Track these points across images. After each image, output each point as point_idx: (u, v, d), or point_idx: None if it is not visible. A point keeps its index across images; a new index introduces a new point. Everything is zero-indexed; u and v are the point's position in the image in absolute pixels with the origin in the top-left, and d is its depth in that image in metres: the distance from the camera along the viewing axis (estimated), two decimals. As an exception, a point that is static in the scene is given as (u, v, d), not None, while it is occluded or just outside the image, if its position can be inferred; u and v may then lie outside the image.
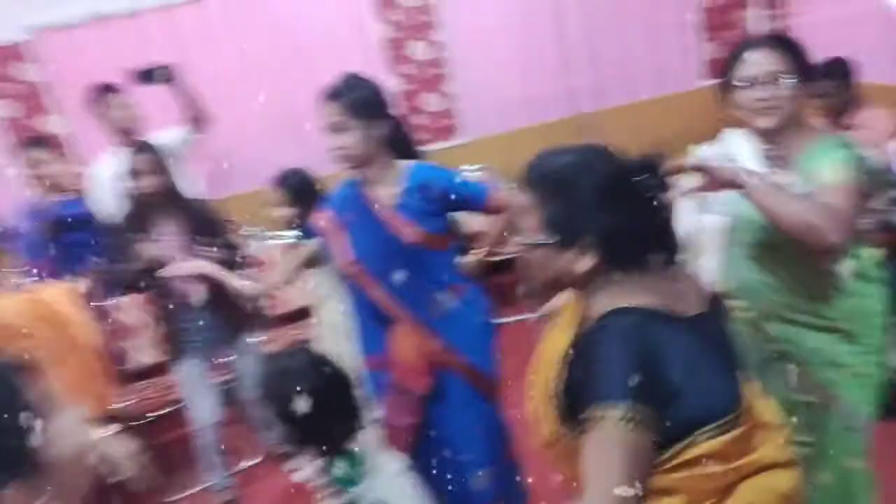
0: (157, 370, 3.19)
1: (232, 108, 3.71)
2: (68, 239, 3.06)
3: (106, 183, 3.05)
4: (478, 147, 4.32)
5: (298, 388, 1.43)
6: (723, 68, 1.67)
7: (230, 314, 2.62)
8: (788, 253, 1.62)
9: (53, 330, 2.20)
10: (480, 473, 2.02)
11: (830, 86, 2.97)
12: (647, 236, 1.07)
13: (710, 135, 4.33)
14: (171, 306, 2.58)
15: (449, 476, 2.00)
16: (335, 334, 2.34)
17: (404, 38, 4.11)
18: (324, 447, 1.50)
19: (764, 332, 1.73)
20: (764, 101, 1.57)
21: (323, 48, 4.06)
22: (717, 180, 1.53)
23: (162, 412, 3.09)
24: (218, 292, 2.52)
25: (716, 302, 1.18)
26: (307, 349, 1.63)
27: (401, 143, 2.00)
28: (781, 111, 1.58)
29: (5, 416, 0.70)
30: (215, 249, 2.55)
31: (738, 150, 1.76)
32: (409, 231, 1.93)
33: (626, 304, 1.04)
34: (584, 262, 1.05)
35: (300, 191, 2.35)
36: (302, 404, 1.43)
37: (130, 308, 3.15)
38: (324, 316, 2.47)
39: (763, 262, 1.69)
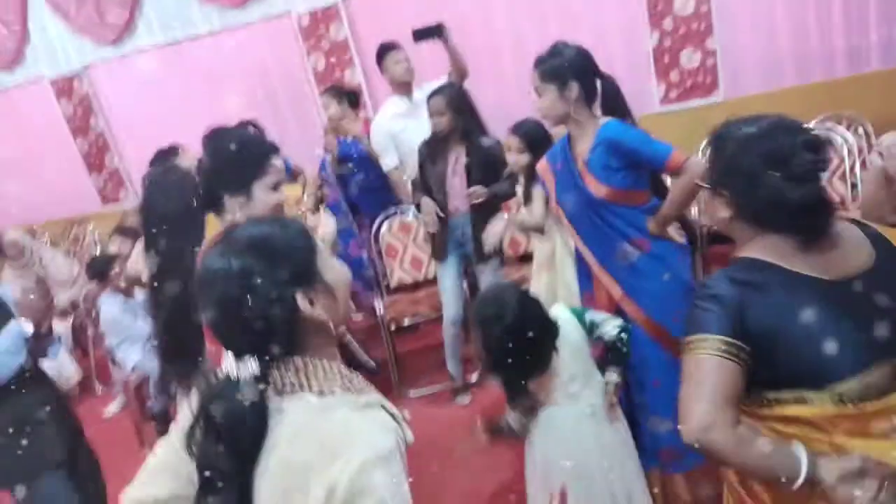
0: (412, 287, 3.77)
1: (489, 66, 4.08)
2: (349, 175, 3.83)
3: (385, 127, 3.66)
4: (738, 106, 4.05)
5: (500, 321, 1.72)
6: None
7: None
8: None
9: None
10: (656, 420, 2.10)
11: None
12: (785, 205, 1.19)
13: None
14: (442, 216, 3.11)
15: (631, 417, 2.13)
16: (555, 274, 2.59)
17: (668, -9, 4.05)
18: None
19: None
20: None
21: (583, 3, 4.20)
22: None
23: (414, 321, 3.67)
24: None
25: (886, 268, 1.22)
26: (518, 288, 1.90)
27: (609, 103, 2.15)
28: None
29: (300, 241, 1.04)
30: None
31: None
32: (594, 185, 2.11)
33: (751, 255, 1.25)
34: (722, 211, 1.28)
35: (534, 138, 2.58)
36: (501, 335, 1.72)
37: (388, 233, 3.75)
38: (546, 256, 2.70)
39: None
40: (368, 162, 3.82)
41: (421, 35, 3.48)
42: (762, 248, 1.24)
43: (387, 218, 3.74)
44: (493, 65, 4.37)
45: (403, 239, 3.77)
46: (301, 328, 1.01)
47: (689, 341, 1.22)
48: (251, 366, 1.00)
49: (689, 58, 4.14)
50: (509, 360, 1.72)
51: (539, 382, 1.85)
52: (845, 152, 3.58)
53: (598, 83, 2.14)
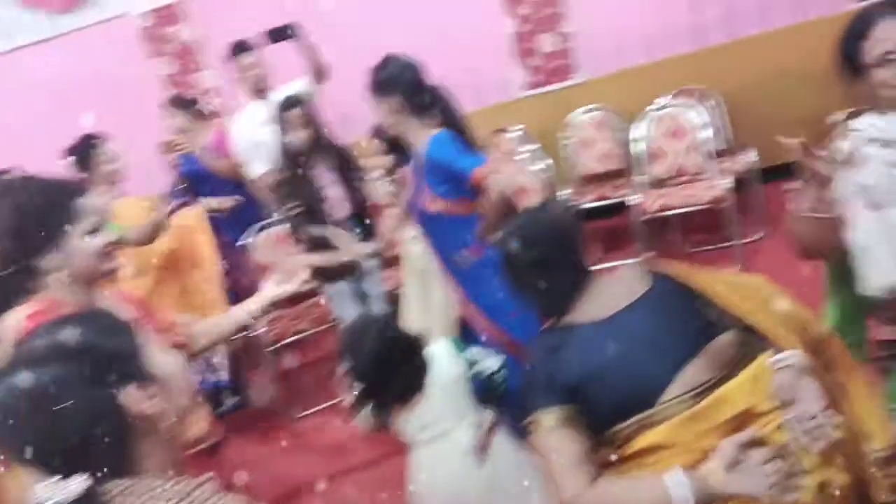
0: (291, 301, 3.58)
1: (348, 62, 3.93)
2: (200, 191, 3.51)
3: (249, 135, 3.42)
4: (594, 87, 4.23)
5: (366, 348, 1.69)
6: (843, 51, 1.45)
7: None
8: None
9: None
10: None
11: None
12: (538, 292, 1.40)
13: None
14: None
15: None
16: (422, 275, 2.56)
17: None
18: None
19: None
20: None
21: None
22: None
23: (287, 340, 3.42)
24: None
25: (658, 287, 1.35)
26: (383, 321, 1.87)
27: (444, 113, 2.18)
28: None
29: (119, 336, 0.89)
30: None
31: (890, 129, 1.45)
32: (428, 197, 2.21)
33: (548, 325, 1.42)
34: None
35: (395, 141, 2.50)
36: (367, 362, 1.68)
37: (265, 246, 3.50)
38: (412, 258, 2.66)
39: None
40: (217, 178, 3.55)
41: (275, 36, 3.30)
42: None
43: (259, 231, 3.48)
44: (352, 62, 4.21)
45: (276, 252, 3.57)
46: (126, 437, 0.85)
47: (529, 422, 1.30)
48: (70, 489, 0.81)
49: (547, 42, 4.21)
50: (372, 394, 1.73)
51: (407, 416, 1.79)
52: (698, 124, 3.77)
53: (429, 94, 2.17)
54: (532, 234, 1.41)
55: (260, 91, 3.42)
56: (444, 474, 1.78)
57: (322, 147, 2.86)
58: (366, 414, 1.80)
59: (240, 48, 3.40)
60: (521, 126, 4.25)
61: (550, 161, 4.04)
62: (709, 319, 1.29)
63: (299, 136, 2.77)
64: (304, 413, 3.31)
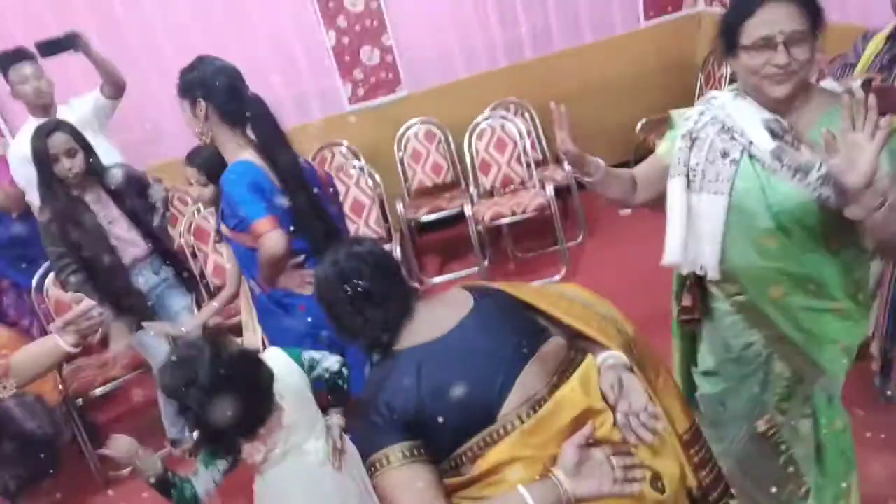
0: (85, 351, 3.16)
1: (161, 74, 3.62)
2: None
3: (23, 159, 2.96)
4: (421, 99, 4.27)
5: (194, 384, 1.43)
6: (725, 23, 1.40)
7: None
8: (818, 242, 1.42)
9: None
10: None
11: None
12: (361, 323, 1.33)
13: (656, 73, 4.33)
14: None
15: None
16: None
17: (338, -11, 4.00)
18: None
19: (757, 315, 1.56)
20: (781, 68, 1.32)
21: (255, 4, 3.94)
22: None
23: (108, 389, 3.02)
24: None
25: (482, 300, 1.34)
26: (210, 341, 1.56)
27: (259, 125, 1.98)
28: (797, 77, 1.34)
29: None
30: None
31: (736, 117, 1.46)
32: (221, 223, 2.09)
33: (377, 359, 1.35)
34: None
35: (212, 166, 2.20)
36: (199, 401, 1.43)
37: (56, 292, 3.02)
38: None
39: (774, 246, 1.45)
40: None
41: (49, 49, 2.85)
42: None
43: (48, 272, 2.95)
44: (165, 76, 3.88)
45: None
46: None
47: (373, 462, 1.21)
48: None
49: (370, 55, 4.16)
50: (218, 425, 1.45)
51: (260, 438, 1.61)
52: (517, 136, 3.93)
53: (244, 103, 1.95)
54: (352, 267, 1.34)
55: (42, 107, 2.95)
56: (301, 491, 1.63)
57: (97, 177, 2.55)
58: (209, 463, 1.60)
59: (9, 59, 2.90)
60: (344, 141, 4.17)
61: (378, 177, 3.99)
62: (537, 326, 1.31)
63: (64, 167, 2.43)
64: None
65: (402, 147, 4.21)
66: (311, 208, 1.99)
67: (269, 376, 1.56)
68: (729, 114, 1.46)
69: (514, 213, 3.70)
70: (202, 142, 2.00)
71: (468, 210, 3.77)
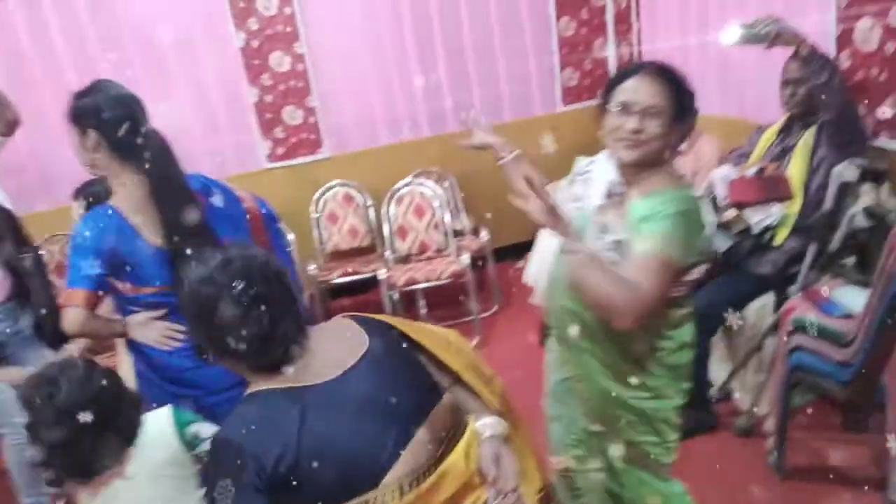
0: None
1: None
2: None
3: None
4: (342, 162, 4.25)
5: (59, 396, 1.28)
6: (605, 85, 1.54)
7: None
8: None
9: None
10: None
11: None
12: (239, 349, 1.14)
13: (572, 152, 4.50)
14: None
15: None
16: None
17: (264, 47, 3.99)
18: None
19: (564, 354, 1.69)
20: (630, 133, 1.44)
21: (177, 54, 3.87)
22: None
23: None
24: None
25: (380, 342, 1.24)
26: (83, 362, 1.44)
27: (156, 161, 1.79)
28: (646, 147, 1.45)
29: None
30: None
31: (598, 172, 1.66)
32: None
33: (254, 389, 1.18)
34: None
35: (100, 203, 2.11)
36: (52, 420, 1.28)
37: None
38: None
39: (572, 290, 1.56)
40: None
41: None
42: (262, 379, 1.18)
43: None
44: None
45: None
46: None
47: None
48: None
49: (292, 115, 4.14)
50: (58, 455, 1.31)
51: (92, 497, 1.41)
52: (436, 204, 3.95)
53: (139, 136, 1.75)
54: (234, 268, 1.15)
55: None
56: None
57: None
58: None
59: None
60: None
61: (293, 236, 3.89)
62: (430, 380, 1.25)
63: None
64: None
65: (319, 208, 4.15)
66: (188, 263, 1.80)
67: (132, 425, 1.41)
68: (597, 168, 1.63)
69: (428, 280, 3.66)
70: (91, 174, 1.85)
71: (382, 275, 3.71)
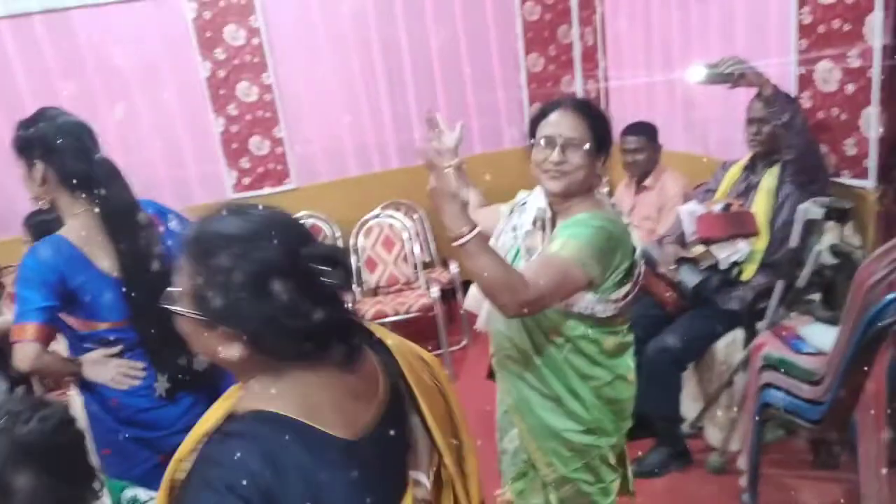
0: None
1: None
2: None
3: None
4: (310, 193, 4.19)
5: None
6: (530, 121, 1.63)
7: None
8: (533, 322, 1.57)
9: None
10: None
11: (640, 142, 3.20)
12: (315, 331, 0.85)
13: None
14: None
15: None
16: None
17: (231, 77, 3.94)
18: None
19: (502, 381, 1.71)
20: (555, 165, 1.52)
21: (141, 82, 3.80)
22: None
23: None
24: None
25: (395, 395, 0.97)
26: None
27: (107, 189, 1.70)
28: (570, 177, 1.52)
29: None
30: None
31: (530, 201, 1.73)
32: None
33: (267, 409, 0.85)
34: (230, 351, 0.84)
35: (45, 233, 2.01)
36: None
37: None
38: None
39: (516, 320, 1.58)
40: None
41: None
42: (281, 396, 0.86)
43: None
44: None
45: None
46: None
47: None
48: None
49: (259, 145, 4.08)
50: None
51: None
52: (405, 236, 3.91)
53: (88, 167, 1.67)
54: (304, 235, 0.90)
55: None
56: None
57: None
58: None
59: None
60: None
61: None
62: (405, 471, 1.00)
63: None
64: None
65: (286, 239, 4.06)
66: (146, 295, 1.63)
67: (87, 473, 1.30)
68: (531, 199, 1.70)
69: (397, 313, 3.60)
70: (40, 206, 1.76)
71: (350, 306, 3.63)
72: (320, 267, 0.86)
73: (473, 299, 1.80)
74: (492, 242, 1.64)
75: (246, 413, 0.86)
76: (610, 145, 1.59)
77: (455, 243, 1.33)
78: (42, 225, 1.83)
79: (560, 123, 1.53)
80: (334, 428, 0.86)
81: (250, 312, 0.81)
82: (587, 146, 1.52)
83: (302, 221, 0.94)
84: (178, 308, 0.86)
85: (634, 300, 1.61)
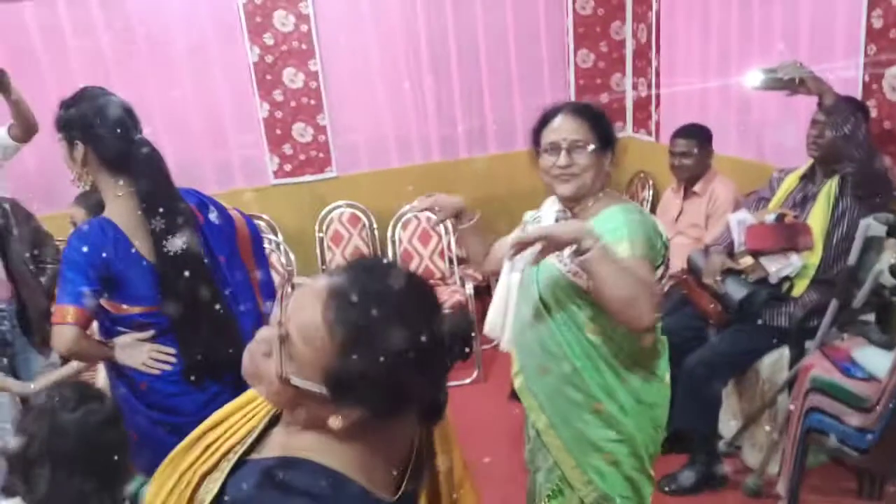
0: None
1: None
2: None
3: None
4: (350, 182, 4.18)
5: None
6: (533, 131, 1.63)
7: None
8: (574, 321, 1.56)
9: None
10: None
11: (690, 145, 3.09)
12: (424, 398, 0.81)
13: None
14: None
15: None
16: None
17: (278, 63, 3.95)
18: None
19: (530, 399, 1.69)
20: (563, 169, 1.54)
21: (189, 65, 3.83)
22: (558, 244, 1.39)
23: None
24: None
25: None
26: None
27: (148, 176, 1.70)
28: (579, 179, 1.55)
29: None
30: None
31: (545, 210, 1.75)
32: None
33: (331, 465, 0.76)
34: (338, 422, 0.73)
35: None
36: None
37: None
38: None
39: (537, 318, 1.61)
40: None
41: None
42: (344, 452, 0.76)
43: None
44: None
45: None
46: None
47: None
48: None
49: (302, 132, 4.08)
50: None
51: None
52: (442, 231, 3.87)
53: (128, 148, 1.66)
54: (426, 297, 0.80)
55: None
56: None
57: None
58: None
59: None
60: (265, 214, 3.98)
61: (294, 255, 3.81)
62: None
63: None
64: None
65: (324, 228, 4.07)
66: (179, 282, 1.67)
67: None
68: (544, 212, 1.72)
69: (430, 308, 3.56)
70: (79, 187, 1.76)
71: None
72: (453, 346, 0.79)
73: (493, 323, 1.78)
74: (515, 259, 1.58)
75: (306, 463, 0.76)
76: (615, 143, 1.61)
77: (581, 258, 1.36)
78: (100, 207, 1.84)
79: (562, 128, 1.55)
80: (383, 488, 0.79)
81: (384, 396, 0.73)
82: (591, 147, 1.54)
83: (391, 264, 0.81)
84: (297, 380, 0.73)
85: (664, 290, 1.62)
